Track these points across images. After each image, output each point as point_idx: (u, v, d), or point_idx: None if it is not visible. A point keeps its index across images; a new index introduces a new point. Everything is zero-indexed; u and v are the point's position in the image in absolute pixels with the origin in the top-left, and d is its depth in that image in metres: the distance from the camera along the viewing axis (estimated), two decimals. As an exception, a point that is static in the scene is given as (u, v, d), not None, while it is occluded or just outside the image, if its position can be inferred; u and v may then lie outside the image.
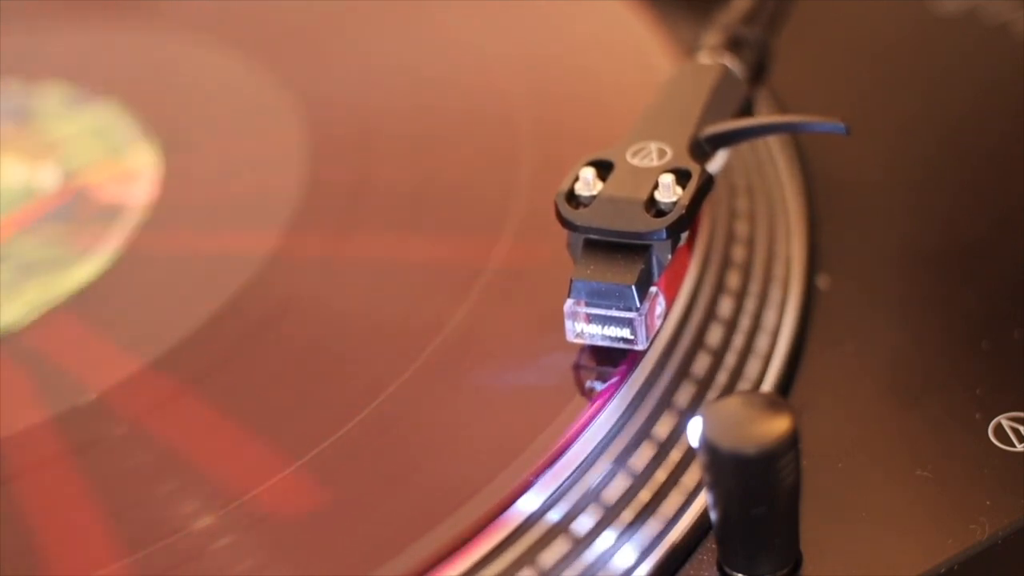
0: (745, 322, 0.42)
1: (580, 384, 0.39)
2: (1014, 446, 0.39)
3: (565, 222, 0.39)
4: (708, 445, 0.34)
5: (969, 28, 0.52)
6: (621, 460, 0.38)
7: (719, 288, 0.42)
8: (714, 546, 0.36)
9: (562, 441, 0.38)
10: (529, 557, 0.36)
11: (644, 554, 0.37)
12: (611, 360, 0.39)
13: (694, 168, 0.40)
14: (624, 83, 0.49)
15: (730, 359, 0.41)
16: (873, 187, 0.47)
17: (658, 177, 0.39)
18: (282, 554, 0.37)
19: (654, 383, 0.39)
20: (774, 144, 0.48)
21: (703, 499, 0.37)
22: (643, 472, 0.38)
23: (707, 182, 0.40)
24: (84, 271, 0.47)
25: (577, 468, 0.37)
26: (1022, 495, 0.37)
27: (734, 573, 0.36)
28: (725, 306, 0.42)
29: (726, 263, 0.42)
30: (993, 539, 0.37)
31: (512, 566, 0.36)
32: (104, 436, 0.41)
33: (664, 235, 0.38)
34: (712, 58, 0.44)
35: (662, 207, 0.39)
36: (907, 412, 0.40)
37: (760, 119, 0.45)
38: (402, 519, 0.37)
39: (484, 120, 0.49)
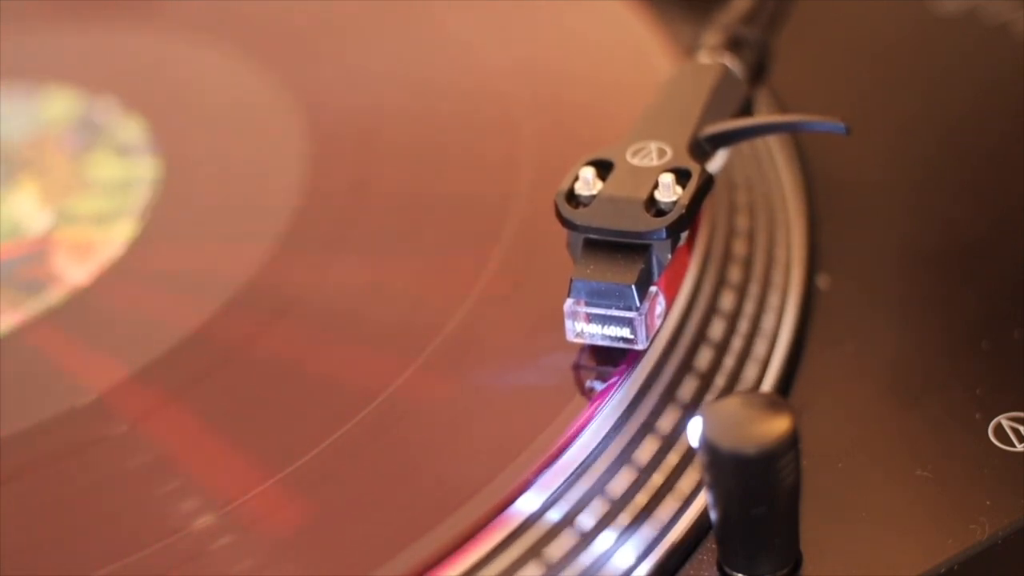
0: (745, 323, 0.42)
1: (580, 383, 0.39)
2: (1014, 446, 0.39)
3: (565, 221, 0.39)
4: (708, 445, 0.34)
5: (969, 28, 0.52)
6: (623, 457, 0.38)
7: (719, 288, 0.42)
8: (714, 546, 0.36)
9: (563, 440, 0.38)
10: (529, 557, 0.36)
11: (644, 554, 0.37)
12: (611, 359, 0.39)
13: (694, 168, 0.40)
14: (624, 83, 0.49)
15: (729, 361, 0.41)
16: (873, 187, 0.47)
17: (658, 177, 0.39)
18: (283, 553, 0.37)
19: (653, 383, 0.39)
20: (774, 143, 0.48)
21: (703, 499, 0.37)
22: (645, 468, 0.38)
23: (707, 182, 0.40)
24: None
25: (578, 466, 0.37)
26: (1022, 495, 0.37)
27: (734, 573, 0.36)
28: (724, 306, 0.42)
29: (726, 262, 0.42)
30: (993, 539, 0.37)
31: (512, 566, 0.36)
32: (103, 436, 0.41)
33: (664, 235, 0.38)
34: (712, 58, 0.44)
35: (662, 207, 0.39)
36: (907, 412, 0.40)
37: (760, 119, 0.45)
38: (401, 519, 0.37)
39: (483, 121, 0.49)
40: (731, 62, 0.44)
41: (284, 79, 0.53)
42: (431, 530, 0.36)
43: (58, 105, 0.54)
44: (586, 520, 0.37)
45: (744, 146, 0.46)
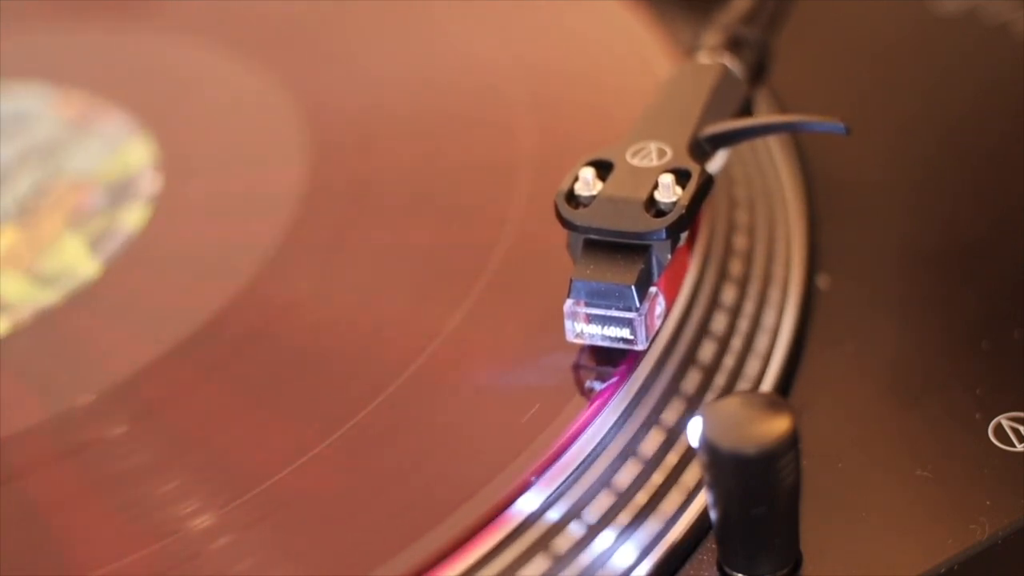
0: (744, 323, 0.42)
1: (581, 383, 0.39)
2: (1014, 446, 0.39)
3: (565, 222, 0.39)
4: (708, 445, 0.34)
5: (969, 28, 0.52)
6: (628, 450, 0.38)
7: (718, 288, 0.42)
8: (714, 546, 0.37)
9: (568, 434, 0.38)
10: (536, 551, 0.36)
11: (644, 554, 0.37)
12: (611, 360, 0.39)
13: (694, 168, 0.40)
14: (623, 83, 0.49)
15: (729, 360, 0.41)
16: (873, 187, 0.47)
17: (658, 177, 0.39)
18: (285, 552, 0.37)
19: (657, 376, 0.39)
20: (774, 144, 0.48)
21: (703, 498, 0.37)
22: (650, 461, 0.38)
23: (707, 182, 0.40)
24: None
25: (583, 460, 0.37)
26: (1022, 495, 0.37)
27: (734, 573, 0.36)
28: (724, 305, 0.42)
29: (726, 263, 0.42)
30: (993, 539, 0.37)
31: (512, 566, 0.36)
32: (102, 437, 0.41)
33: (664, 235, 0.38)
34: (712, 58, 0.44)
35: (662, 207, 0.39)
36: (907, 412, 0.40)
37: (760, 119, 0.45)
38: (404, 517, 0.37)
39: (483, 121, 0.49)
40: (731, 62, 0.44)
41: (283, 80, 0.53)
42: (433, 528, 0.36)
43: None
44: (592, 514, 0.37)
45: (744, 146, 0.46)
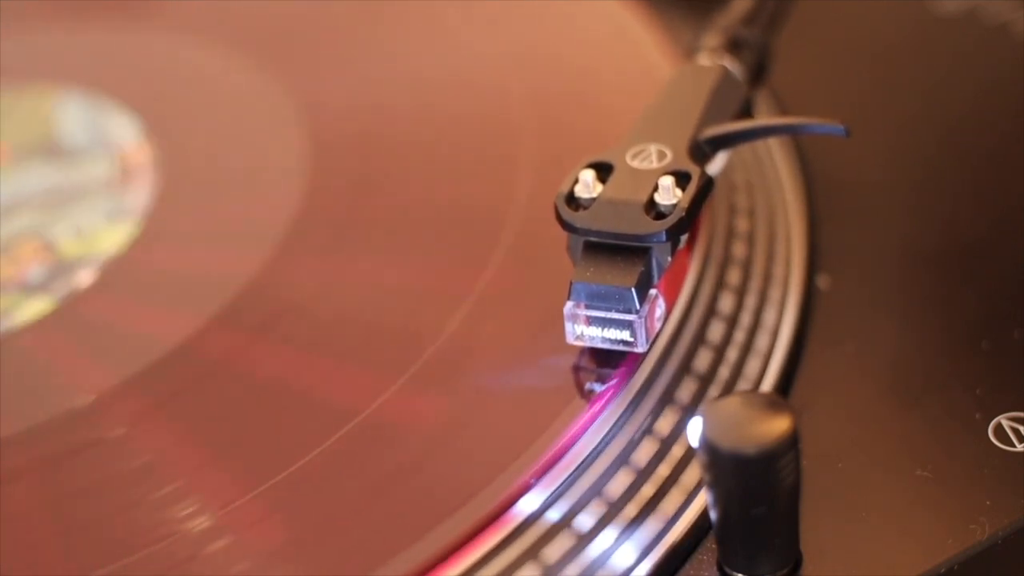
0: (745, 322, 0.42)
1: (580, 385, 0.39)
2: (1014, 446, 0.39)
3: (565, 224, 0.39)
4: (708, 445, 0.34)
5: (969, 28, 0.52)
6: (621, 458, 0.38)
7: (719, 289, 0.42)
8: (714, 546, 0.37)
9: (562, 441, 0.38)
10: (527, 558, 0.36)
11: (644, 554, 0.37)
12: (611, 362, 0.39)
13: (694, 170, 0.40)
14: (624, 85, 0.49)
15: (730, 358, 0.41)
16: (873, 187, 0.47)
17: (658, 179, 0.39)
18: (283, 554, 0.37)
19: (653, 383, 0.39)
20: (774, 144, 0.48)
21: (703, 499, 0.37)
22: (643, 470, 0.38)
23: (707, 184, 0.40)
24: None
25: (577, 468, 0.37)
26: (1022, 495, 0.37)
27: (734, 573, 0.36)
28: (725, 306, 0.42)
29: (726, 264, 0.42)
30: (993, 539, 0.37)
31: (511, 566, 0.36)
32: (100, 439, 0.41)
33: (664, 237, 0.38)
34: (712, 60, 0.44)
35: (662, 209, 0.39)
36: (907, 412, 0.40)
37: (760, 121, 0.45)
38: (401, 520, 0.37)
39: (483, 122, 0.49)
40: (731, 64, 0.44)
41: (283, 80, 0.53)
42: (431, 531, 0.36)
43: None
44: (584, 521, 0.37)
45: (744, 146, 0.46)
